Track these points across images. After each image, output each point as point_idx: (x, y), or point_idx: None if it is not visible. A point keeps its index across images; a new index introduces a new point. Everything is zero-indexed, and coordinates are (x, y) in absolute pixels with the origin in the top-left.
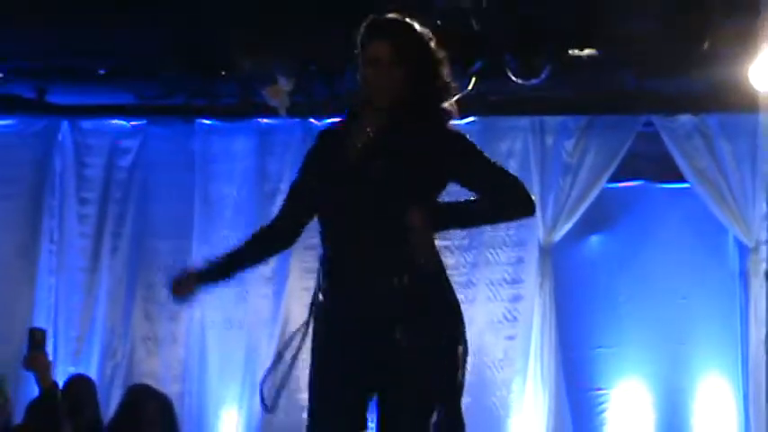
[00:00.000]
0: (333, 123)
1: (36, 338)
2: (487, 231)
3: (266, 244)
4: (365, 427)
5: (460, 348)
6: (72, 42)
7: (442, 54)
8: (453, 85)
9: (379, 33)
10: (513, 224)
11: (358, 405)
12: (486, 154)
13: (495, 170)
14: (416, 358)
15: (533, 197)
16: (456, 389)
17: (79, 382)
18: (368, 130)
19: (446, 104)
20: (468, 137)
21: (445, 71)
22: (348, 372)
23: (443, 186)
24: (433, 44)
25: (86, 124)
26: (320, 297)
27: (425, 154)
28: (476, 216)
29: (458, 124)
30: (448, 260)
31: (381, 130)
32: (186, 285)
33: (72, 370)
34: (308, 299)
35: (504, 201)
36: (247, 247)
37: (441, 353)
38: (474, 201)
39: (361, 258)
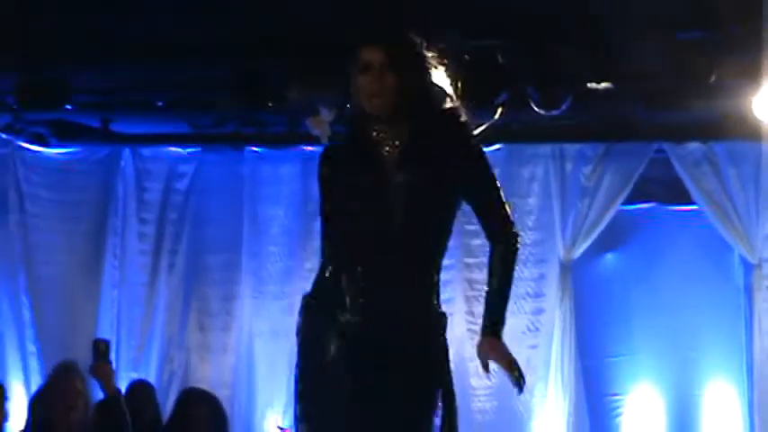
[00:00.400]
0: (336, 142)
1: (100, 349)
2: None
3: None
4: None
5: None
6: (134, 77)
7: (434, 61)
8: (446, 90)
9: (372, 39)
10: (536, 243)
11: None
12: (496, 181)
13: (499, 206)
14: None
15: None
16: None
17: (140, 387)
18: (389, 142)
19: (449, 105)
20: (485, 156)
21: (437, 77)
22: (369, 389)
23: (459, 201)
24: (425, 51)
25: (146, 151)
26: (336, 312)
27: (445, 167)
28: (507, 293)
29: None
30: (475, 276)
31: (401, 142)
32: None
33: (133, 375)
34: None
35: (507, 259)
36: None
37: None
38: (494, 288)
39: (385, 273)
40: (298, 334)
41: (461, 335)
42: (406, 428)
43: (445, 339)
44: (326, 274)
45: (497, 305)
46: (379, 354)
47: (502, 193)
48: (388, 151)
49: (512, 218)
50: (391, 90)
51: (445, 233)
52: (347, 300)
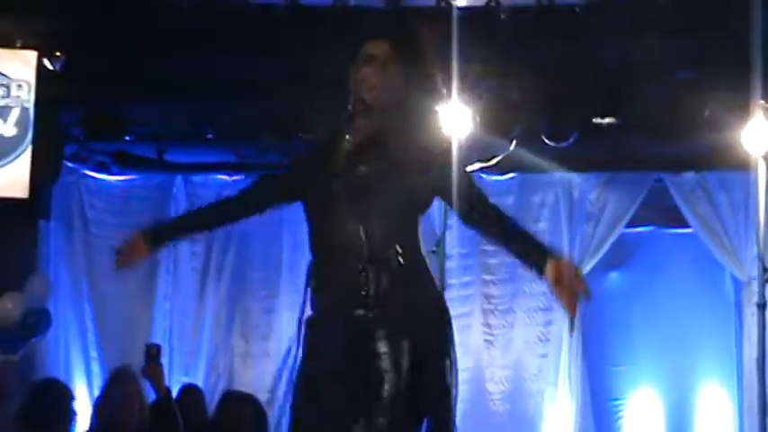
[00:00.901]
0: (333, 126)
1: (152, 352)
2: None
3: (226, 215)
4: None
5: (450, 348)
6: (186, 112)
7: (437, 56)
8: (445, 85)
9: (377, 33)
10: None
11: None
12: (470, 174)
13: (476, 193)
14: (401, 359)
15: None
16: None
17: (191, 390)
18: (357, 134)
19: (436, 106)
20: (453, 151)
21: (439, 73)
22: (344, 378)
23: (430, 200)
24: (430, 46)
25: (196, 178)
26: (309, 309)
27: (411, 163)
28: (525, 229)
29: (499, 179)
30: (492, 291)
31: (370, 135)
32: (135, 250)
33: (184, 380)
34: None
35: (501, 212)
36: (208, 212)
37: (428, 352)
38: (516, 232)
39: (342, 265)
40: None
41: (478, 344)
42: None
43: (437, 317)
44: (308, 272)
45: (528, 238)
46: (357, 344)
47: (477, 187)
48: (353, 143)
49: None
50: (393, 83)
51: (413, 221)
52: (320, 294)
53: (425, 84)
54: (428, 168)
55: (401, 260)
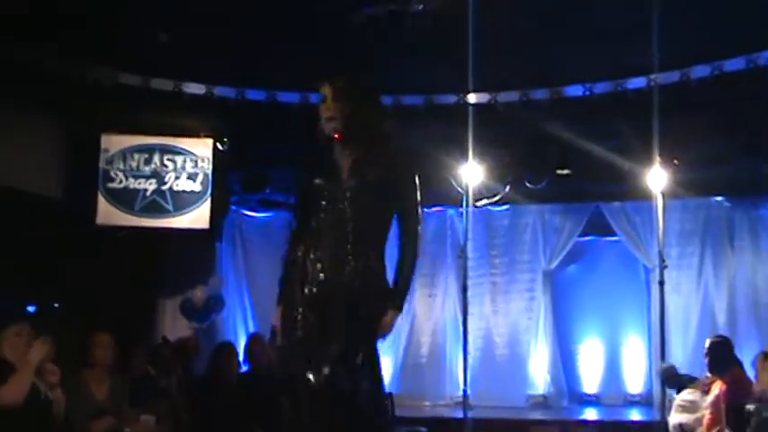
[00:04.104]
0: (314, 156)
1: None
2: (517, 264)
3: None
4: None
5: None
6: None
7: (376, 94)
8: (385, 113)
9: (324, 78)
10: (529, 261)
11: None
12: (417, 202)
13: (414, 224)
14: (360, 330)
15: (419, 248)
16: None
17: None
18: (339, 160)
19: (386, 129)
20: (412, 176)
21: (380, 107)
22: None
23: (392, 216)
24: (368, 86)
25: None
26: (302, 285)
27: (378, 185)
28: (409, 280)
29: (500, 209)
30: (497, 280)
31: (348, 162)
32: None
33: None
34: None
35: (410, 258)
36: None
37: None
38: (400, 269)
39: (337, 253)
40: (278, 304)
41: (488, 313)
42: (340, 362)
43: (381, 301)
44: (295, 257)
45: (398, 273)
46: (329, 311)
47: (418, 214)
48: (344, 162)
49: (419, 234)
50: (339, 116)
51: (383, 226)
52: (309, 274)
53: (366, 114)
54: (390, 191)
55: (371, 264)
